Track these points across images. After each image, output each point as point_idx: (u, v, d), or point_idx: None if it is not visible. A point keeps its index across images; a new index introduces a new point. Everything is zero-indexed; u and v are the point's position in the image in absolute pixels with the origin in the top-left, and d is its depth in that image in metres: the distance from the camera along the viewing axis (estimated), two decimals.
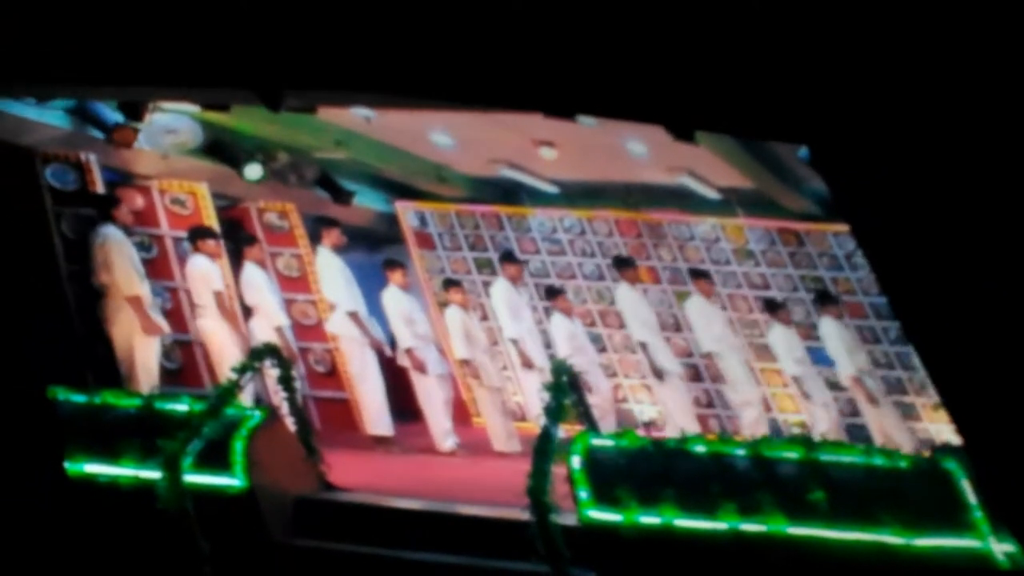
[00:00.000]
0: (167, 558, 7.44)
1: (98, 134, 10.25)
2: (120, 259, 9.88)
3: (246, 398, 9.28)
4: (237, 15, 6.47)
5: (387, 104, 9.21)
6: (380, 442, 11.21)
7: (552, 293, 12.53)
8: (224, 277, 10.91)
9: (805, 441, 7.61)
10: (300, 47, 6.59)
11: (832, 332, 11.66)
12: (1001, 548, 6.83)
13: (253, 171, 11.50)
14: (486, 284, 12.93)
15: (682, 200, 12.93)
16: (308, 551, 7.88)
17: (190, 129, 10.75)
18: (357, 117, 10.24)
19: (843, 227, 11.40)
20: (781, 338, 11.94)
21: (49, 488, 7.02)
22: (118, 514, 7.62)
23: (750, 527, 7.12)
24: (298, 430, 8.74)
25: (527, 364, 11.78)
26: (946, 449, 7.49)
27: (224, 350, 10.46)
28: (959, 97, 5.96)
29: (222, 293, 10.70)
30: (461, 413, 12.33)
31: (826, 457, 7.33)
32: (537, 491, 7.10)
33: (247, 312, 11.10)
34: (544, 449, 7.39)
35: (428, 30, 6.39)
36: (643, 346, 12.03)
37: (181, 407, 8.25)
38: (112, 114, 10.09)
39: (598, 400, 11.58)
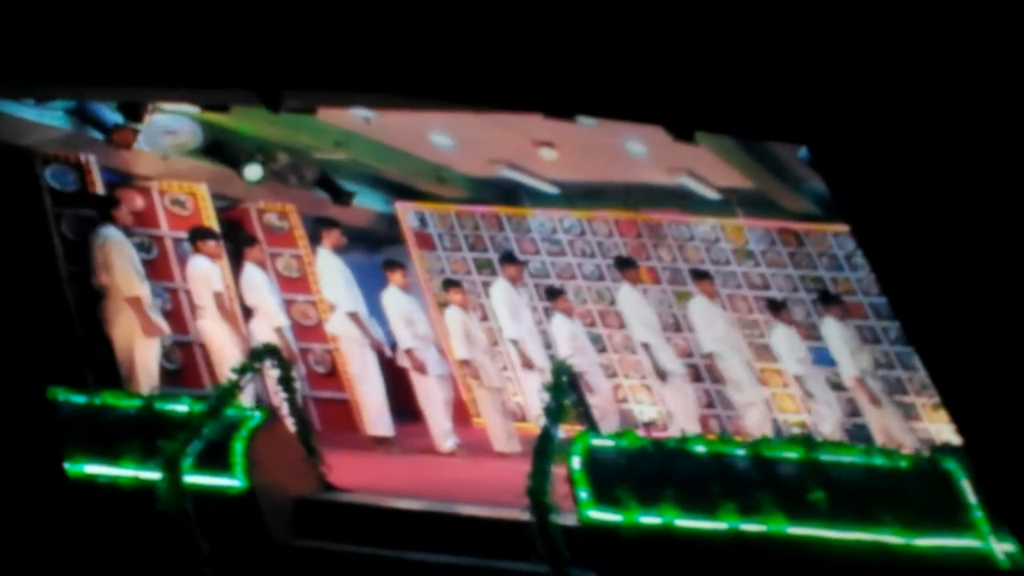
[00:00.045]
0: (167, 559, 7.43)
1: (98, 135, 10.26)
2: (120, 260, 9.88)
3: (246, 399, 9.29)
4: (237, 16, 6.47)
5: (387, 105, 9.21)
6: (380, 443, 11.21)
7: (553, 294, 12.53)
8: (224, 278, 10.91)
9: (805, 441, 7.61)
10: (300, 48, 6.59)
11: (835, 333, 11.66)
12: (1001, 548, 6.83)
13: (253, 172, 11.50)
14: (486, 285, 12.93)
15: (682, 200, 12.93)
16: (308, 552, 7.87)
17: (190, 130, 10.75)
18: (357, 118, 10.24)
19: (843, 227, 11.39)
20: (784, 338, 11.94)
21: (49, 489, 7.02)
22: (118, 515, 7.62)
23: (750, 527, 7.11)
24: (298, 431, 8.74)
25: (527, 364, 11.77)
26: (946, 449, 7.49)
27: (224, 351, 10.46)
28: (959, 97, 5.96)
29: (222, 294, 10.70)
30: (461, 414, 12.33)
31: (826, 457, 7.33)
32: (537, 491, 7.10)
33: (247, 313, 11.10)
34: (544, 449, 7.39)
35: (428, 31, 6.39)
36: (646, 347, 12.03)
37: (181, 408, 8.25)
38: (112, 115, 10.09)
39: (599, 401, 11.60)
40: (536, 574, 7.08)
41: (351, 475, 8.80)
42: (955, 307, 6.02)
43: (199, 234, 10.93)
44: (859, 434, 11.49)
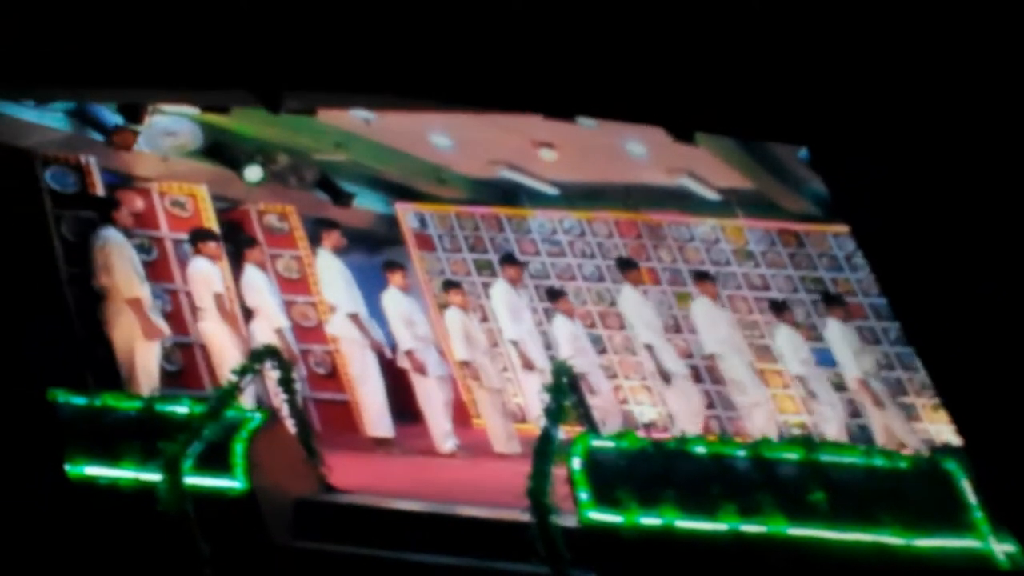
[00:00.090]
0: (168, 560, 7.43)
1: (98, 136, 10.26)
2: (120, 261, 9.88)
3: (247, 400, 9.29)
4: (236, 17, 6.47)
5: (387, 106, 9.21)
6: (380, 444, 11.21)
7: (554, 295, 12.52)
8: (224, 279, 10.91)
9: (805, 442, 7.61)
10: (299, 49, 6.59)
11: (838, 334, 11.64)
12: (1001, 548, 6.83)
13: (253, 173, 11.50)
14: (486, 285, 12.93)
15: (682, 201, 12.94)
16: (309, 553, 7.87)
17: (190, 131, 10.76)
18: (357, 119, 10.24)
19: (843, 228, 11.40)
20: (787, 339, 11.91)
21: (49, 490, 7.01)
22: (118, 516, 7.61)
23: (750, 528, 7.11)
24: (298, 432, 8.74)
25: (527, 365, 11.77)
26: (946, 449, 7.49)
27: (225, 352, 10.46)
28: (958, 97, 5.96)
29: (222, 295, 10.70)
30: (461, 415, 12.33)
31: (826, 458, 7.33)
32: (537, 492, 7.10)
33: (248, 314, 11.10)
34: (544, 450, 7.39)
35: (427, 31, 6.39)
36: (649, 348, 12.00)
37: (181, 409, 8.24)
38: (112, 116, 10.09)
39: (601, 402, 11.62)
40: (536, 575, 7.08)
41: (351, 476, 8.80)
42: (955, 308, 6.02)
43: (200, 236, 10.93)
44: (862, 435, 11.50)
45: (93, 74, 6.94)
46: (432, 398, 11.34)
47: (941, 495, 7.05)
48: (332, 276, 11.56)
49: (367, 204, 13.31)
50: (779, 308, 12.18)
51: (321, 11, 6.45)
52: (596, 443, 7.65)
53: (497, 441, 11.43)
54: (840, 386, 11.88)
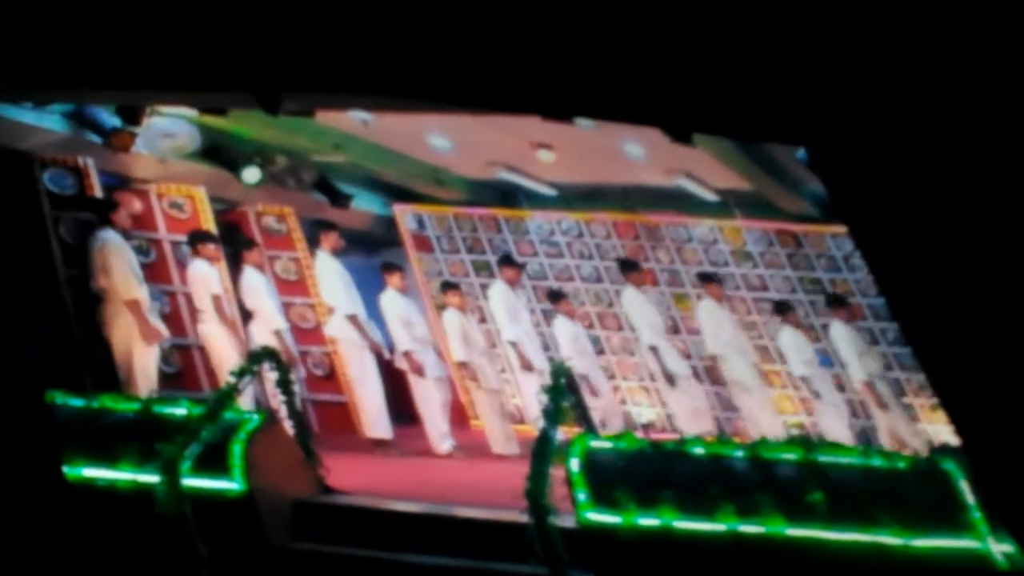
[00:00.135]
0: (166, 562, 7.43)
1: (96, 138, 10.24)
2: (119, 263, 9.88)
3: (245, 402, 9.29)
4: (234, 18, 6.47)
5: (385, 107, 9.20)
6: (379, 445, 11.21)
7: (555, 296, 12.51)
8: (223, 281, 10.91)
9: (803, 442, 7.61)
10: (298, 50, 6.59)
11: (842, 335, 11.62)
12: (999, 548, 6.83)
13: (251, 175, 11.49)
14: (484, 287, 12.93)
15: (680, 202, 12.93)
16: (307, 554, 7.87)
17: (188, 133, 10.76)
18: (355, 120, 10.24)
19: (841, 228, 11.41)
20: (791, 340, 11.89)
21: (47, 492, 7.01)
22: (116, 518, 7.61)
23: (749, 528, 7.12)
24: (297, 433, 8.74)
25: (526, 366, 11.76)
26: (944, 450, 7.49)
27: (223, 354, 10.46)
28: (956, 97, 5.97)
29: (220, 297, 10.70)
30: (459, 416, 12.34)
31: (824, 458, 7.33)
32: (536, 493, 7.10)
33: (246, 316, 11.10)
34: (543, 451, 7.39)
35: (425, 33, 6.39)
36: (653, 350, 11.98)
37: (179, 411, 8.25)
38: (110, 118, 10.08)
39: (603, 403, 11.62)
40: None
41: (349, 477, 8.79)
42: (953, 308, 6.02)
43: (198, 237, 10.93)
44: (866, 437, 11.50)
45: (91, 76, 6.94)
46: (430, 399, 11.33)
47: (939, 495, 7.06)
48: (330, 277, 11.56)
49: (365, 205, 13.31)
50: (782, 309, 12.15)
51: (319, 12, 6.45)
52: (594, 444, 7.65)
53: (495, 442, 11.43)
54: (843, 387, 11.87)
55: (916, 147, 6.06)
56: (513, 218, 13.66)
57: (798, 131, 6.64)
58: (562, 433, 7.74)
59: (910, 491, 7.13)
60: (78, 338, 9.65)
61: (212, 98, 8.73)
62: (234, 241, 11.67)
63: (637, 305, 12.22)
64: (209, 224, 11.39)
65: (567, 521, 7.22)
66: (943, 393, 6.41)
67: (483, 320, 12.81)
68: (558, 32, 6.33)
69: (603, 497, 7.31)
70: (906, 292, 6.27)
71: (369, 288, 11.68)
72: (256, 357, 8.90)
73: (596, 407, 11.20)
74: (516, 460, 10.12)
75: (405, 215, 13.68)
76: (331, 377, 12.23)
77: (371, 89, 7.03)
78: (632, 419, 12.66)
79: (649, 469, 7.41)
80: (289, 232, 12.54)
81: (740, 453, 7.44)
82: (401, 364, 11.49)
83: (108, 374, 9.66)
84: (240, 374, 8.50)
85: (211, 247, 10.86)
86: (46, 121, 9.91)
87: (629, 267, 12.50)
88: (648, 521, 7.22)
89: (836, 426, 11.31)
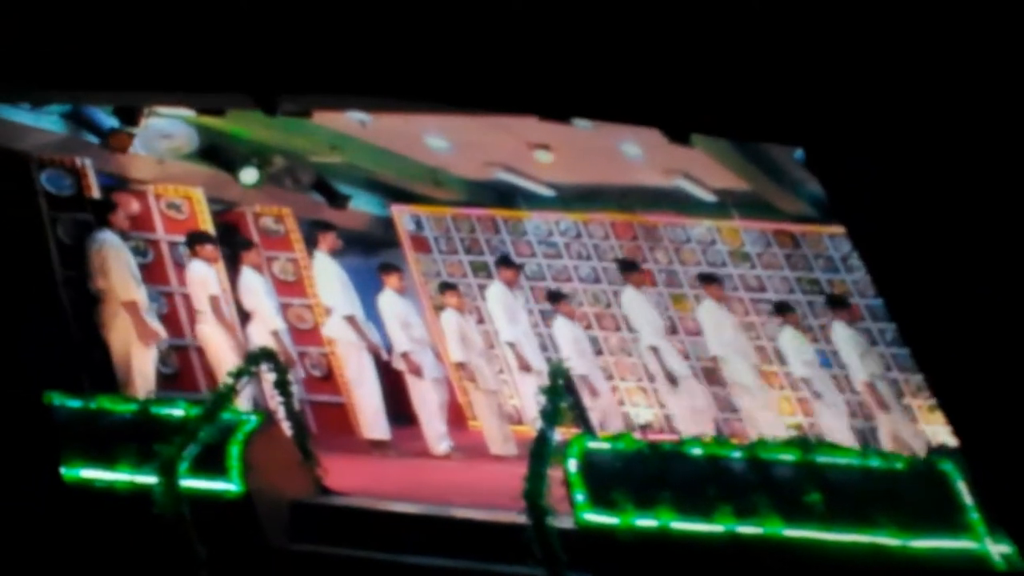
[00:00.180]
0: (164, 563, 7.43)
1: (93, 139, 10.23)
2: (117, 264, 9.88)
3: (243, 403, 9.28)
4: (232, 19, 6.47)
5: (382, 108, 9.20)
6: (376, 446, 11.21)
7: (556, 297, 12.50)
8: (221, 282, 10.90)
9: (801, 443, 7.61)
10: (295, 51, 6.58)
11: (844, 337, 11.59)
12: (997, 549, 6.84)
13: (249, 175, 11.48)
14: (482, 287, 12.93)
15: (678, 202, 12.92)
16: (305, 555, 7.87)
17: (186, 134, 10.75)
18: (352, 121, 10.24)
19: (839, 229, 11.40)
20: (791, 340, 11.86)
21: (45, 493, 7.01)
22: (114, 519, 7.61)
23: (746, 529, 7.12)
24: (294, 434, 8.73)
25: (524, 367, 11.76)
26: (942, 450, 7.49)
27: (221, 355, 10.46)
28: (955, 98, 5.97)
29: (218, 297, 10.69)
30: (457, 416, 12.33)
31: (822, 459, 7.33)
32: (533, 494, 7.10)
33: (244, 317, 11.09)
34: (540, 452, 7.39)
35: (423, 33, 6.39)
36: (654, 351, 11.97)
37: (177, 412, 8.25)
38: (107, 119, 10.07)
39: (603, 404, 11.62)
40: None
41: (347, 478, 8.79)
42: (951, 309, 6.02)
43: (196, 238, 10.93)
44: (868, 438, 11.50)
45: (89, 77, 6.93)
46: (428, 400, 11.33)
47: (937, 496, 7.06)
48: (328, 278, 11.56)
49: (363, 206, 13.30)
50: (783, 309, 12.14)
51: (317, 13, 6.44)
52: (592, 445, 7.65)
53: (493, 443, 11.42)
54: (843, 388, 11.87)
55: (914, 148, 6.06)
56: (511, 219, 13.65)
57: (796, 131, 6.63)
58: (560, 434, 7.74)
59: (908, 492, 7.13)
60: (76, 339, 9.65)
61: (210, 99, 8.73)
62: (232, 242, 11.66)
63: (637, 305, 12.21)
64: (207, 225, 11.39)
65: (565, 522, 7.22)
66: (941, 394, 6.41)
67: (481, 321, 12.80)
68: (556, 33, 6.33)
69: (601, 498, 7.31)
70: (904, 293, 6.26)
71: (367, 289, 11.67)
72: (254, 358, 8.91)
73: (596, 408, 11.20)
74: (514, 461, 10.09)
75: (403, 216, 13.68)
76: (329, 378, 12.22)
77: (369, 90, 7.04)
78: (630, 420, 12.65)
79: (647, 470, 7.41)
80: (287, 233, 12.53)
81: (738, 454, 7.44)
82: (399, 365, 11.48)
83: (106, 375, 9.66)
84: (238, 375, 8.50)
85: (209, 248, 10.86)
86: (44, 122, 9.90)
87: (629, 267, 12.49)
88: (646, 522, 7.22)
89: (837, 427, 11.30)
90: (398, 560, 7.70)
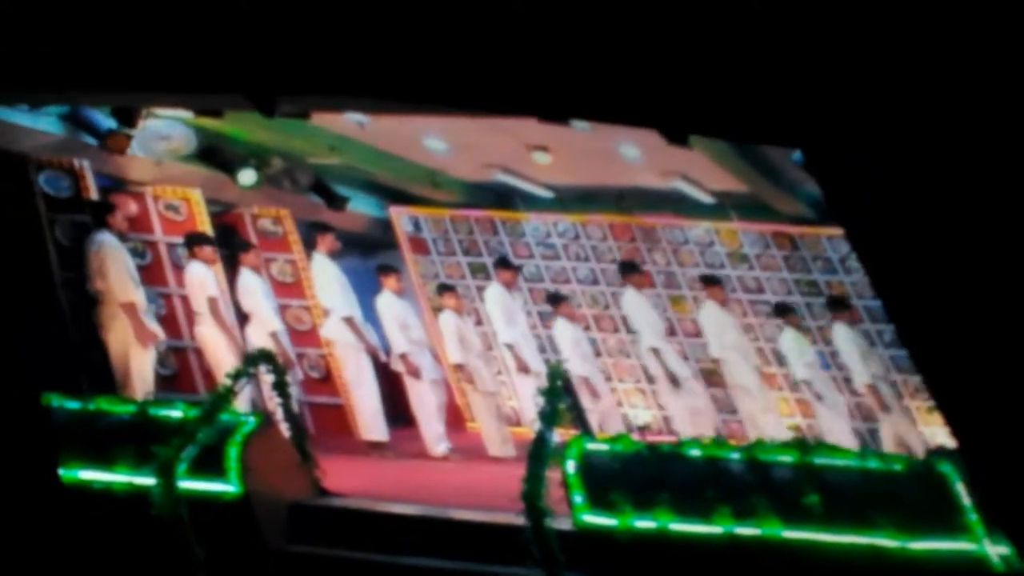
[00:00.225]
0: (162, 565, 7.42)
1: (91, 140, 10.22)
2: (115, 266, 9.87)
3: (241, 404, 9.28)
4: (231, 20, 6.47)
5: (381, 109, 9.20)
6: (375, 447, 11.20)
7: (555, 299, 12.49)
8: (219, 283, 10.90)
9: (799, 445, 7.61)
10: (294, 52, 6.58)
11: (845, 338, 11.59)
12: (996, 551, 6.84)
13: (247, 177, 11.48)
14: (480, 289, 12.93)
15: (676, 204, 12.93)
16: (303, 557, 7.87)
17: (183, 135, 10.74)
18: (351, 122, 10.24)
19: (837, 230, 11.42)
20: (792, 342, 11.86)
21: (43, 495, 7.00)
22: (112, 521, 7.61)
23: (745, 531, 7.12)
24: (293, 435, 8.73)
25: (523, 369, 11.75)
26: (941, 452, 7.49)
27: (219, 356, 10.45)
28: (953, 99, 5.97)
29: (216, 299, 10.68)
30: (455, 418, 12.33)
31: (821, 460, 7.33)
32: (532, 496, 7.09)
33: (243, 318, 11.09)
34: (539, 454, 7.38)
35: (422, 35, 6.39)
36: (655, 352, 11.96)
37: (175, 413, 8.25)
38: (105, 120, 10.05)
39: (603, 405, 11.61)
40: None
41: (345, 480, 8.78)
42: (950, 310, 6.02)
43: (194, 240, 10.92)
44: (869, 439, 11.50)
45: (87, 78, 6.93)
46: (426, 401, 11.33)
47: (936, 498, 7.06)
48: (326, 280, 11.56)
49: (361, 208, 13.30)
50: (783, 311, 12.13)
51: (315, 14, 6.44)
52: (590, 446, 7.65)
53: (491, 444, 11.42)
54: (842, 389, 11.87)
55: (912, 149, 6.06)
56: (509, 220, 13.66)
57: (794, 133, 6.64)
58: (558, 435, 7.74)
59: (906, 493, 7.14)
60: (74, 340, 9.65)
61: (208, 100, 8.72)
62: (230, 243, 11.66)
63: (638, 307, 12.20)
64: (205, 226, 11.39)
65: (563, 523, 7.22)
66: (939, 395, 6.41)
67: (479, 322, 12.80)
68: (554, 34, 6.33)
69: (599, 499, 7.31)
70: (902, 294, 6.26)
71: (365, 290, 11.67)
72: (252, 359, 8.90)
73: (596, 410, 11.21)
74: (512, 462, 10.10)
75: (401, 217, 13.69)
76: (327, 379, 12.23)
77: (367, 91, 7.03)
78: (629, 421, 12.65)
79: (645, 471, 7.41)
80: (285, 234, 12.54)
81: (736, 455, 7.44)
82: (397, 366, 11.48)
83: (104, 376, 9.65)
84: (236, 376, 8.49)
85: (207, 249, 10.85)
86: (42, 123, 9.89)
87: (629, 269, 12.48)
88: (644, 523, 7.22)
89: (837, 428, 11.29)
90: (396, 561, 7.69)
